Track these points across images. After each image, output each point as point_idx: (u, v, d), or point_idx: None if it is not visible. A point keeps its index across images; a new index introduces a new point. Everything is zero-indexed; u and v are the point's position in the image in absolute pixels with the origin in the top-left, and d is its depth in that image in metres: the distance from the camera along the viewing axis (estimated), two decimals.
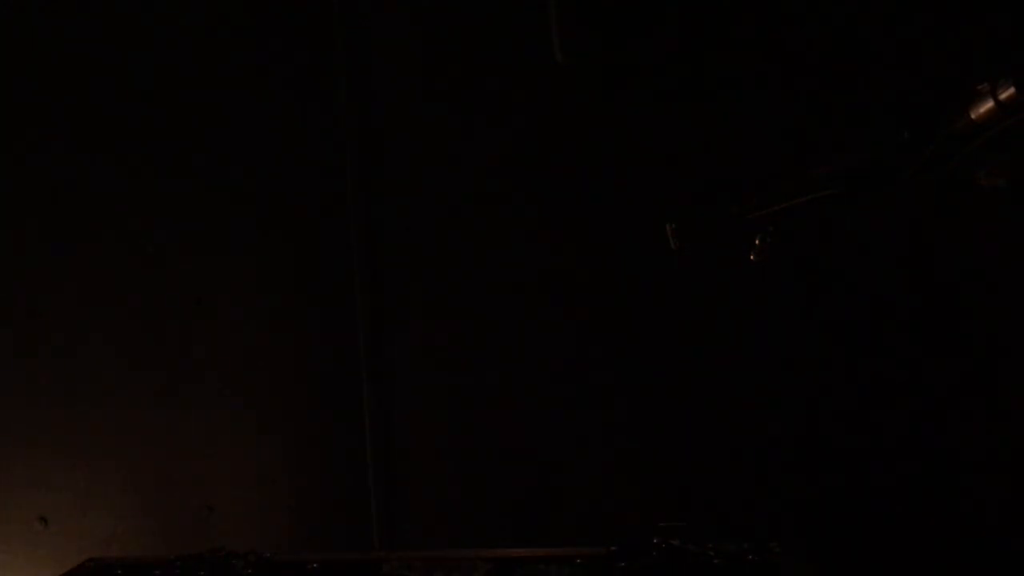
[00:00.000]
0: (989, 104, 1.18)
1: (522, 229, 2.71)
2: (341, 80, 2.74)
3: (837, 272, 2.57)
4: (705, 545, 1.98)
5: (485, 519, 2.75)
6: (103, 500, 2.88)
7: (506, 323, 2.73)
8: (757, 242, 1.46)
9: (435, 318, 2.77)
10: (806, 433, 2.60)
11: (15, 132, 2.86)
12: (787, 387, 2.60)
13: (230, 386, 2.84)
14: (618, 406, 2.69)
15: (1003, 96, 1.16)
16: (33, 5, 2.83)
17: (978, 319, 2.52)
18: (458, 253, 2.74)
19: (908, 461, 2.57)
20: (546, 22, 2.53)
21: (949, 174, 1.26)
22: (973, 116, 1.20)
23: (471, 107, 2.71)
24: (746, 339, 2.62)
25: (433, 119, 2.73)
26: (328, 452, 2.82)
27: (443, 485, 2.78)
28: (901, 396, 2.56)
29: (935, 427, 2.54)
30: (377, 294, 2.77)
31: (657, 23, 2.50)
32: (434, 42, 2.72)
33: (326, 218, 2.78)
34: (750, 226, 1.44)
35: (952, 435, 2.54)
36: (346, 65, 2.74)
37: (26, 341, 2.88)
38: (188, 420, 2.85)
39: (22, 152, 2.86)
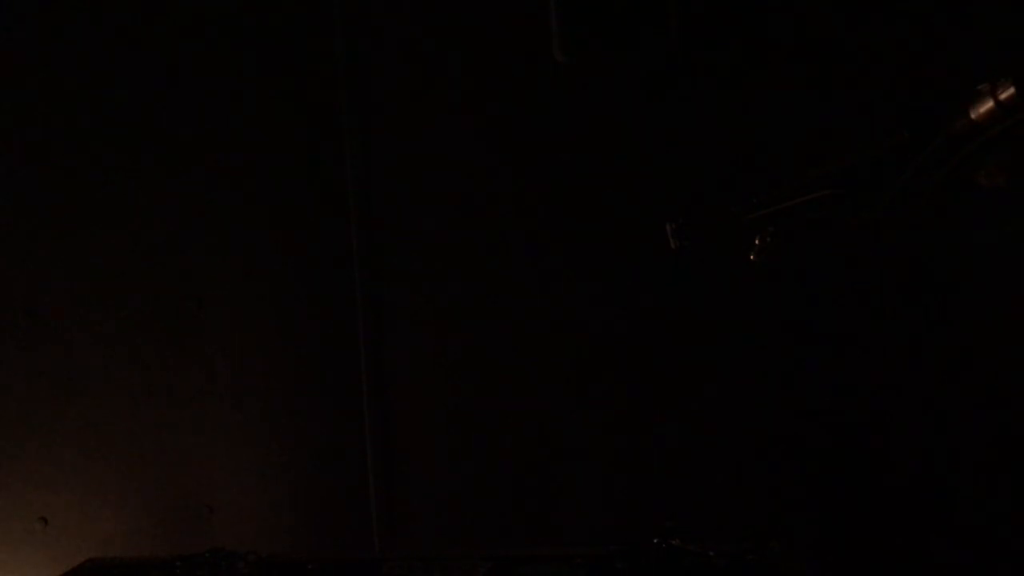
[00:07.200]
0: (989, 104, 1.18)
1: (522, 229, 2.71)
2: (341, 79, 2.74)
3: (837, 272, 2.57)
4: (705, 545, 1.98)
5: (485, 519, 2.75)
6: (103, 500, 2.88)
7: (506, 322, 2.73)
8: (757, 242, 1.45)
9: (435, 318, 2.77)
10: (806, 433, 2.60)
11: (16, 133, 2.86)
12: (787, 387, 2.60)
13: (230, 386, 2.84)
14: (618, 406, 2.69)
15: (1003, 96, 1.16)
16: (34, 6, 2.82)
17: (978, 319, 2.52)
18: (458, 252, 2.74)
19: (908, 461, 2.57)
20: (546, 22, 2.53)
21: (949, 174, 1.26)
22: (973, 116, 1.20)
23: (471, 107, 2.71)
24: (746, 338, 2.62)
25: (433, 119, 2.73)
26: (328, 452, 2.82)
27: (443, 485, 2.78)
28: (901, 396, 2.56)
29: (935, 427, 2.55)
30: (377, 293, 2.77)
31: (657, 23, 2.50)
32: (434, 42, 2.72)
33: (326, 218, 2.78)
34: (750, 226, 1.44)
35: (952, 435, 2.54)
36: (346, 65, 2.74)
37: (26, 341, 2.88)
38: (188, 420, 2.85)
39: (23, 153, 2.86)
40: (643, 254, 2.59)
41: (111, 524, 2.88)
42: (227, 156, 2.80)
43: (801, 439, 2.60)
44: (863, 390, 2.58)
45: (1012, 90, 1.15)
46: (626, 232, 2.63)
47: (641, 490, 2.68)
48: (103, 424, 2.87)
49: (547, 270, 2.70)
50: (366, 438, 2.77)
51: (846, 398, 2.59)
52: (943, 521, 2.54)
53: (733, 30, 2.57)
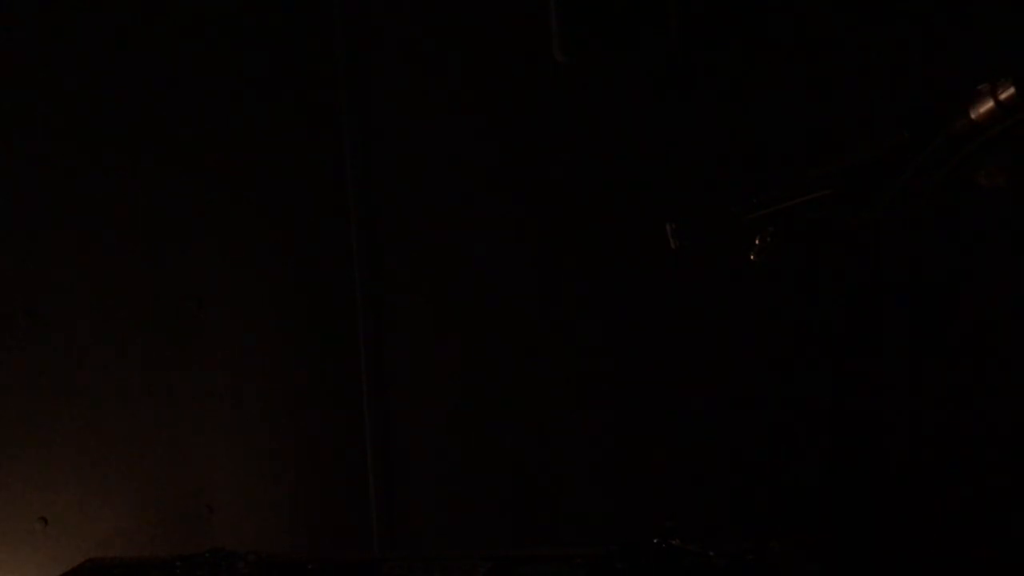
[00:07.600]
0: (989, 104, 1.18)
1: (522, 230, 2.71)
2: (341, 79, 2.74)
3: (836, 272, 2.57)
4: (705, 545, 1.98)
5: (485, 519, 2.75)
6: (103, 500, 2.88)
7: (505, 323, 2.73)
8: (757, 242, 1.45)
9: (435, 318, 2.77)
10: (806, 433, 2.60)
11: (16, 133, 2.86)
12: (787, 386, 2.60)
13: (230, 386, 2.84)
14: (617, 406, 2.69)
15: (1003, 96, 1.16)
16: (34, 6, 2.82)
17: (977, 319, 2.52)
18: (458, 253, 2.74)
19: (908, 461, 2.57)
20: (546, 22, 2.53)
21: (949, 174, 1.26)
22: (973, 116, 1.20)
23: (471, 107, 2.71)
24: (746, 338, 2.62)
25: (433, 119, 2.73)
26: (328, 452, 2.82)
27: (443, 485, 2.78)
28: (901, 395, 2.56)
29: (935, 427, 2.55)
30: (377, 293, 2.77)
31: (657, 23, 2.50)
32: (434, 42, 2.72)
33: (326, 218, 2.78)
34: (750, 226, 1.44)
35: (952, 434, 2.54)
36: (346, 65, 2.74)
37: (26, 341, 2.88)
38: (188, 420, 2.85)
39: (23, 153, 2.86)
40: (643, 254, 2.59)
41: (111, 524, 2.88)
42: (227, 156, 2.80)
43: (801, 439, 2.60)
44: (863, 390, 2.58)
45: (1012, 90, 1.15)
46: (626, 232, 2.63)
47: (641, 490, 2.68)
48: (103, 424, 2.87)
49: (547, 270, 2.70)
50: (366, 438, 2.77)
51: (846, 398, 2.59)
52: (943, 521, 2.54)
53: (733, 30, 2.57)
